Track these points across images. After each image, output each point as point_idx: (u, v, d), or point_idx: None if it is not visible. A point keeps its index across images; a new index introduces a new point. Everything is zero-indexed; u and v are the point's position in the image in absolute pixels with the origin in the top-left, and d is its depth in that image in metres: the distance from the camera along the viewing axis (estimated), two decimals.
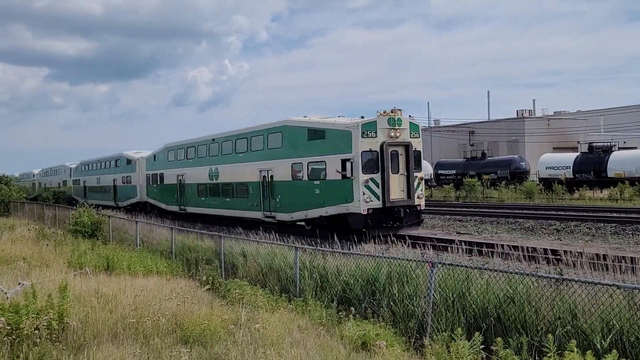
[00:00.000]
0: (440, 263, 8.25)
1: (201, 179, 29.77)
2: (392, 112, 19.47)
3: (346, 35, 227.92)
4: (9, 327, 6.85)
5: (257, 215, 24.26)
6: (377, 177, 18.87)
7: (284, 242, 13.79)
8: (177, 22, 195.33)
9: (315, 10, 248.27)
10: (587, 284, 6.75)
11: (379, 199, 18.80)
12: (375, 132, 19.04)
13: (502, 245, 11.60)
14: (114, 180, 43.84)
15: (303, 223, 21.96)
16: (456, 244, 12.63)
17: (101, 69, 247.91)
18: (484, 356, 6.55)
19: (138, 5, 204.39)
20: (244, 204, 25.64)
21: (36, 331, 6.94)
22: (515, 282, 7.72)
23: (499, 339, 6.45)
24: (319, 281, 10.31)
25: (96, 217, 22.22)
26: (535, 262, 12.74)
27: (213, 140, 29.08)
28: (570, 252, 11.48)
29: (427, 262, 8.32)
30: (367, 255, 10.05)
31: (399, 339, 7.67)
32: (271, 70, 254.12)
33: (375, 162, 18.97)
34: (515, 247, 11.37)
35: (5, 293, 8.90)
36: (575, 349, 5.50)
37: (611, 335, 6.37)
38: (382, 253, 13.26)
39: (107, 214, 24.22)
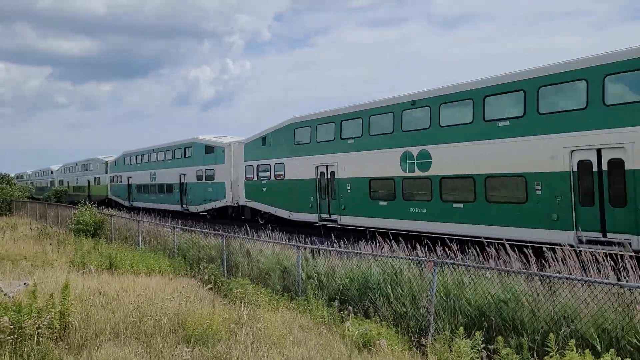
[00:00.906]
0: (443, 262, 8.24)
1: (375, 171, 18.98)
2: None
3: (350, 34, 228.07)
4: (11, 327, 6.87)
5: (557, 236, 13.08)
6: None
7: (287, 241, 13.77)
8: (180, 22, 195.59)
9: (319, 10, 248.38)
10: (586, 282, 6.75)
11: None
12: None
13: (496, 244, 11.47)
14: (180, 176, 33.10)
15: None
16: (447, 245, 11.70)
17: (104, 68, 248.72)
18: (484, 355, 6.55)
19: (142, 5, 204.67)
20: (507, 215, 14.63)
21: (38, 330, 6.95)
22: (511, 282, 7.71)
23: (500, 337, 6.46)
24: (320, 280, 10.31)
25: (98, 217, 22.46)
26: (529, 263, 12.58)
27: (413, 103, 17.49)
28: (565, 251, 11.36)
29: (430, 261, 8.32)
30: (369, 255, 10.05)
31: (401, 338, 7.67)
32: (274, 70, 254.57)
33: None
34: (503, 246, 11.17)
35: (6, 294, 8.91)
36: (575, 348, 5.51)
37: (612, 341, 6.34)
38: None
39: (110, 213, 24.26)
